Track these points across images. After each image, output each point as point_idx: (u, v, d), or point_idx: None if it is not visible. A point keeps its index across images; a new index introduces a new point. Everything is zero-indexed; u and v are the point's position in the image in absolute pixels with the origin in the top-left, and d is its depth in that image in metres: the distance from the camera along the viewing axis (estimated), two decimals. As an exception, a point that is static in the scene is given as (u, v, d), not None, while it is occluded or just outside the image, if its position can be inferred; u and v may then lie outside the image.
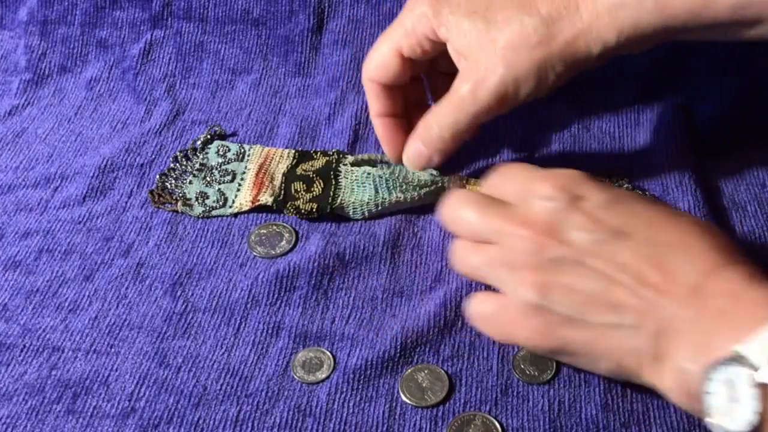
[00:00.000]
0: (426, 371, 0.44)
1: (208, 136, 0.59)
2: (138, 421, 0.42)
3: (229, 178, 0.55)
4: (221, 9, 0.65)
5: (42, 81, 0.65)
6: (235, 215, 0.53)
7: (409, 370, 0.44)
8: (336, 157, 0.55)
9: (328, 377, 0.44)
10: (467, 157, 0.56)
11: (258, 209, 0.53)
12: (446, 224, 0.45)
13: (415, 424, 0.42)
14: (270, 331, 0.46)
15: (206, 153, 0.57)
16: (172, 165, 0.57)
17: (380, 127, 0.53)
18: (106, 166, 0.57)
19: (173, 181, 0.55)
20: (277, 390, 0.43)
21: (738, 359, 0.34)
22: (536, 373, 0.43)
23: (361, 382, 0.43)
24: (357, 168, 0.54)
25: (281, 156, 0.57)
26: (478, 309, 0.43)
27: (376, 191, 0.52)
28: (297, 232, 0.52)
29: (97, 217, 0.54)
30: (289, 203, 0.52)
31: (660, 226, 0.40)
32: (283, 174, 0.55)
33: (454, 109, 0.49)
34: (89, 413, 0.42)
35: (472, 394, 0.43)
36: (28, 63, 0.65)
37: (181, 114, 0.62)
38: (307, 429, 0.41)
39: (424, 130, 0.50)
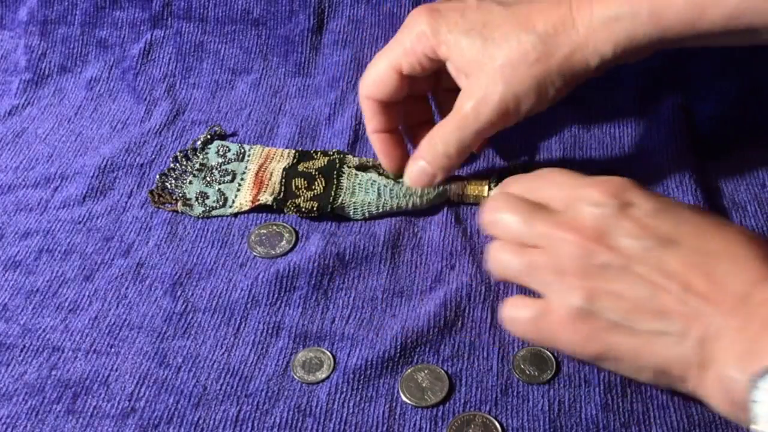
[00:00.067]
0: (426, 371, 0.44)
1: (208, 136, 0.59)
2: (138, 421, 0.42)
3: (229, 178, 0.55)
4: (221, 9, 0.65)
5: (42, 81, 0.65)
6: (235, 215, 0.53)
7: (409, 370, 0.44)
8: (337, 157, 0.55)
9: (328, 377, 0.44)
10: (467, 157, 0.56)
11: (258, 209, 0.53)
12: (486, 227, 0.45)
13: (415, 424, 0.42)
14: (270, 331, 0.46)
15: (206, 153, 0.57)
16: (172, 165, 0.57)
17: (378, 142, 0.53)
18: (106, 166, 0.57)
19: (173, 181, 0.55)
20: (277, 390, 0.43)
21: None
22: (536, 373, 0.43)
23: (361, 382, 0.43)
24: (363, 174, 0.54)
25: (281, 156, 0.57)
26: (516, 314, 0.43)
27: (379, 196, 0.52)
28: (297, 232, 0.52)
29: (97, 217, 0.54)
30: (290, 201, 0.52)
31: (707, 235, 0.40)
32: (284, 169, 0.55)
33: (457, 127, 0.49)
34: (89, 413, 0.42)
35: (472, 394, 0.43)
36: (28, 63, 0.65)
37: (181, 114, 0.62)
38: (307, 429, 0.41)
39: (428, 148, 0.50)
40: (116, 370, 0.44)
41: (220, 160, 0.57)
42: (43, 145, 0.60)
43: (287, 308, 0.47)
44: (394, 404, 0.42)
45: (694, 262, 0.39)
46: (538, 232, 0.42)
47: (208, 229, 0.52)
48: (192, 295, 0.48)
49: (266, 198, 0.53)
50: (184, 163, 0.57)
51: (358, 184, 0.53)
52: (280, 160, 0.56)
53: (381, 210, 0.52)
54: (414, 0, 0.62)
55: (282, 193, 0.53)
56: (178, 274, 0.49)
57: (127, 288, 0.49)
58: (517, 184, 0.46)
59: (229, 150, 0.57)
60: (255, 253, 0.51)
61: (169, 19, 0.65)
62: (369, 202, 0.52)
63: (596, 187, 0.42)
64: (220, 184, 0.55)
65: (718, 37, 0.45)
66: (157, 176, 0.56)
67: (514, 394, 0.43)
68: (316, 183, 0.53)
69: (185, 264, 0.50)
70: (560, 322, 0.40)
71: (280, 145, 0.59)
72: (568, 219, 0.41)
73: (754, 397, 0.34)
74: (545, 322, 0.41)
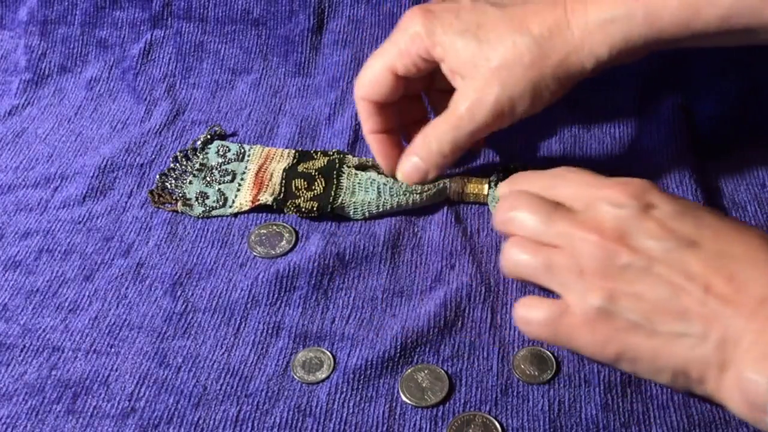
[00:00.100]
0: (426, 371, 0.44)
1: (208, 136, 0.59)
2: (138, 421, 0.42)
3: (229, 178, 0.55)
4: (221, 9, 0.65)
5: (42, 81, 0.65)
6: (235, 215, 0.53)
7: (409, 370, 0.44)
8: (337, 157, 0.55)
9: (328, 377, 0.44)
10: (467, 157, 0.56)
11: (258, 209, 0.53)
12: (502, 224, 0.45)
13: (415, 424, 0.42)
14: (270, 331, 0.46)
15: (206, 153, 0.57)
16: (172, 165, 0.57)
17: (375, 143, 0.53)
18: (106, 166, 0.57)
19: (173, 181, 0.55)
20: (277, 390, 0.43)
21: None
22: (536, 373, 0.43)
23: (361, 382, 0.43)
24: (362, 173, 0.54)
25: (281, 156, 0.57)
26: (532, 314, 0.42)
27: (379, 194, 0.52)
28: (297, 232, 0.52)
29: (97, 217, 0.54)
30: (290, 201, 0.52)
31: (729, 238, 0.40)
32: (284, 170, 0.55)
33: (452, 127, 0.49)
34: (89, 413, 0.42)
35: (472, 394, 0.43)
36: (28, 63, 0.65)
37: (181, 114, 0.62)
38: (307, 429, 0.41)
39: (422, 145, 0.50)
40: (116, 370, 0.44)
41: (220, 160, 0.57)
42: (43, 145, 0.60)
43: (287, 308, 0.47)
44: (394, 404, 0.42)
45: (715, 264, 0.39)
46: (557, 232, 0.42)
47: (208, 229, 0.52)
48: (192, 295, 0.48)
49: (266, 198, 0.53)
50: (184, 163, 0.57)
51: (358, 183, 0.53)
52: (280, 161, 0.56)
53: (381, 209, 0.52)
54: (414, 0, 0.62)
55: (282, 194, 0.53)
56: (178, 274, 0.49)
57: (127, 288, 0.49)
58: (532, 182, 0.46)
59: (229, 150, 0.57)
60: (255, 253, 0.51)
61: (169, 19, 0.65)
62: (369, 201, 0.52)
63: (617, 188, 0.42)
64: (220, 184, 0.55)
65: (713, 37, 0.45)
66: (157, 176, 0.56)
67: (514, 394, 0.43)
68: (316, 183, 0.53)
69: (185, 264, 0.50)
70: (579, 323, 0.40)
71: (280, 145, 0.59)
72: (589, 219, 0.41)
73: None
74: (563, 322, 0.41)
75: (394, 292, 0.48)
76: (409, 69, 0.50)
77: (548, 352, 0.44)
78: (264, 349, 0.45)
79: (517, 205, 0.44)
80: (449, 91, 0.50)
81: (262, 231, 0.52)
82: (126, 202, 0.55)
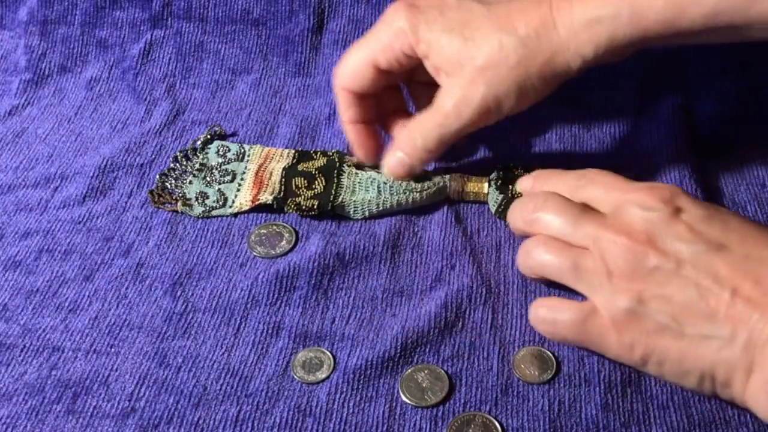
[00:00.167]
0: (426, 371, 0.44)
1: (208, 136, 0.59)
2: (138, 421, 0.42)
3: (229, 178, 0.55)
4: (221, 9, 0.65)
5: (42, 81, 0.65)
6: (235, 215, 0.53)
7: (409, 370, 0.44)
8: (337, 157, 0.55)
9: (328, 377, 0.44)
10: (463, 154, 0.56)
11: (258, 209, 0.53)
12: (527, 225, 0.45)
13: (415, 424, 0.42)
14: (270, 331, 0.46)
15: (206, 153, 0.57)
16: (172, 165, 0.57)
17: (352, 133, 0.53)
18: (106, 166, 0.57)
19: (173, 181, 0.55)
20: (277, 390, 0.43)
21: None
22: (536, 373, 0.43)
23: (361, 382, 0.43)
24: (362, 172, 0.54)
25: (281, 156, 0.57)
26: (557, 316, 0.43)
27: (379, 193, 0.52)
28: (297, 232, 0.52)
29: (97, 217, 0.54)
30: (290, 200, 0.52)
31: (756, 242, 0.40)
32: (284, 169, 0.55)
33: (438, 124, 0.49)
34: (89, 413, 0.42)
35: (472, 394, 0.43)
36: (28, 63, 0.65)
37: (181, 114, 0.62)
38: (307, 429, 0.41)
39: (407, 140, 0.50)
40: (116, 370, 0.44)
41: (220, 160, 0.57)
42: (43, 145, 0.60)
43: (287, 308, 0.47)
44: (394, 404, 0.42)
45: (742, 267, 0.39)
46: (584, 233, 0.42)
47: (208, 229, 0.52)
48: (192, 295, 0.48)
49: (266, 197, 0.53)
50: (184, 163, 0.57)
51: (358, 182, 0.53)
52: (280, 160, 0.56)
53: (381, 208, 0.52)
54: (414, 0, 0.62)
55: (282, 192, 0.53)
56: (178, 274, 0.49)
57: (127, 288, 0.49)
58: (558, 182, 0.46)
59: (229, 150, 0.57)
60: (255, 253, 0.51)
61: (169, 19, 0.65)
62: (369, 200, 0.52)
63: (646, 192, 0.42)
64: (220, 184, 0.55)
65: (699, 35, 0.45)
66: (157, 176, 0.56)
67: (514, 394, 0.43)
68: (316, 182, 0.53)
69: (185, 264, 0.50)
70: (607, 325, 0.41)
71: (280, 145, 0.59)
72: (617, 221, 0.42)
73: None
74: (591, 324, 0.41)
75: (394, 292, 0.48)
76: (391, 64, 0.50)
77: (548, 352, 0.44)
78: (264, 349, 0.45)
79: (544, 206, 0.44)
80: (430, 83, 0.50)
81: (262, 231, 0.52)
82: (126, 202, 0.55)
